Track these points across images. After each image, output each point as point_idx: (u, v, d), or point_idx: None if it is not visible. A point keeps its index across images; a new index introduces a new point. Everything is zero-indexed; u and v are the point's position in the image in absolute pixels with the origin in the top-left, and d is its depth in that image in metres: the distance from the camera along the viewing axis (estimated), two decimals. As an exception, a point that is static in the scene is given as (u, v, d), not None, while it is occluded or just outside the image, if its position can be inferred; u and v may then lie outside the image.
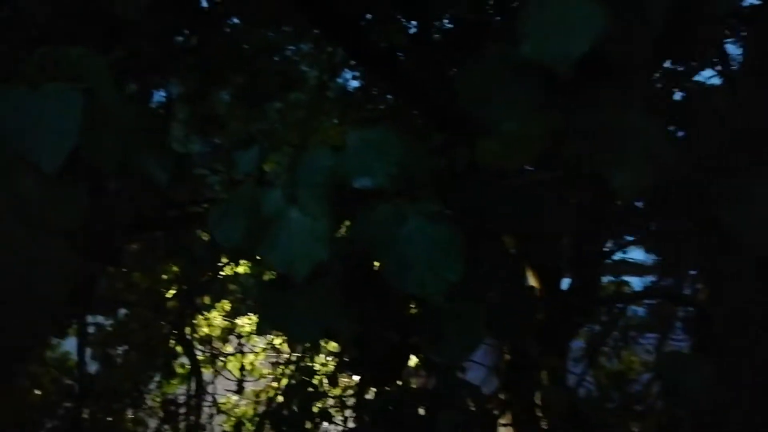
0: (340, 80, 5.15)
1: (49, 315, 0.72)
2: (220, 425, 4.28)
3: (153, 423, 4.10)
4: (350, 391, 3.80)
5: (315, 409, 2.71)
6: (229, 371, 4.26)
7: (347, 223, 1.00)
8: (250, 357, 4.69)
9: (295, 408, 2.31)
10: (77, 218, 0.70)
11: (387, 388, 2.21)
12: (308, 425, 2.38)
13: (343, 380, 3.56)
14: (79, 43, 0.80)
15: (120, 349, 4.41)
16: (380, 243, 0.90)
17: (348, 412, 3.45)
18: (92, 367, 4.25)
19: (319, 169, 0.93)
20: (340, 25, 2.72)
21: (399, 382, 2.24)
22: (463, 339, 0.99)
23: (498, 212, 1.07)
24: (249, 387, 4.63)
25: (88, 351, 4.07)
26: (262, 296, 0.95)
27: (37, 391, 4.28)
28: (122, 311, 4.48)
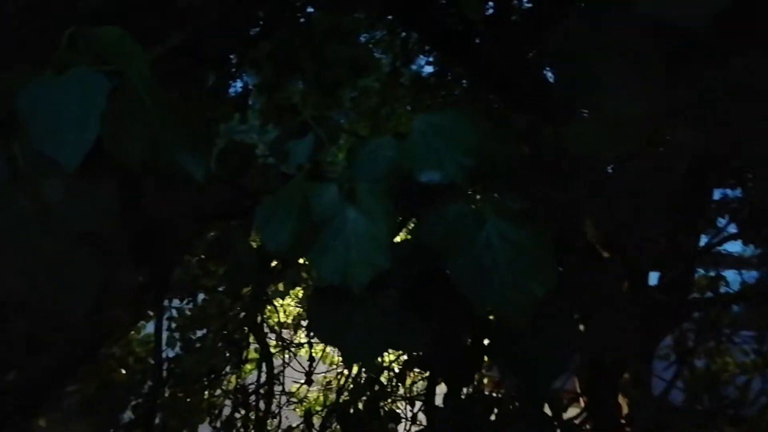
0: (413, 66, 5.05)
1: (79, 321, 0.65)
2: (294, 410, 4.32)
3: (228, 406, 4.20)
4: (419, 384, 3.70)
5: (383, 404, 2.62)
6: (299, 361, 4.29)
7: (412, 222, 0.87)
8: (321, 345, 4.70)
9: (360, 407, 2.23)
10: (103, 221, 0.63)
11: (459, 391, 2.08)
12: (375, 424, 2.30)
13: (414, 372, 3.46)
14: (136, 29, 0.72)
15: (199, 333, 4.56)
16: (452, 248, 0.76)
17: (417, 407, 3.35)
18: (173, 350, 4.42)
19: (381, 161, 0.80)
20: (414, 8, 2.60)
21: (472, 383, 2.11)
22: (549, 363, 0.84)
23: (592, 209, 0.90)
24: (320, 374, 4.65)
25: (165, 334, 4.23)
26: (313, 308, 0.84)
27: (123, 371, 4.51)
28: (201, 297, 4.63)
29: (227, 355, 4.41)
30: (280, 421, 3.75)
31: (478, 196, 0.81)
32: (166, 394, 4.35)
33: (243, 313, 4.39)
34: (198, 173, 0.68)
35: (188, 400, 4.48)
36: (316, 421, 3.66)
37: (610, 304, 0.93)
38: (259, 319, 4.15)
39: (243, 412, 3.58)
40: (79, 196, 0.62)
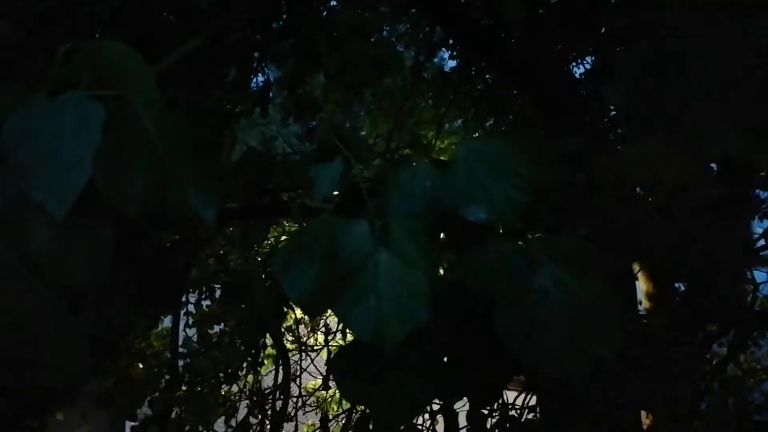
0: (436, 60, 4.95)
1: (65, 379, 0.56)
2: (311, 406, 4.26)
3: (243, 405, 4.17)
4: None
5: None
6: (316, 364, 4.22)
7: (452, 258, 0.77)
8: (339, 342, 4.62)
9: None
10: (97, 274, 0.54)
11: (482, 407, 1.97)
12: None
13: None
14: (155, 32, 0.63)
15: (216, 329, 4.53)
16: (500, 296, 0.66)
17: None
18: (190, 347, 4.40)
19: (418, 191, 0.70)
20: (440, 2, 2.50)
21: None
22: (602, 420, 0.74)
23: (660, 247, 0.79)
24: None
25: (182, 330, 4.21)
26: (339, 365, 0.74)
27: (140, 365, 4.50)
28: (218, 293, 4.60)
29: (242, 349, 4.37)
30: (296, 425, 3.69)
31: (528, 234, 0.70)
32: (183, 389, 4.34)
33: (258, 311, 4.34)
34: (209, 215, 0.59)
35: (204, 392, 4.46)
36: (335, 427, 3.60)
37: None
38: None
39: (259, 416, 3.53)
40: (69, 245, 0.53)
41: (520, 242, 0.68)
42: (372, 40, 3.17)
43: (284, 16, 3.10)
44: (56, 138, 0.53)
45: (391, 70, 2.79)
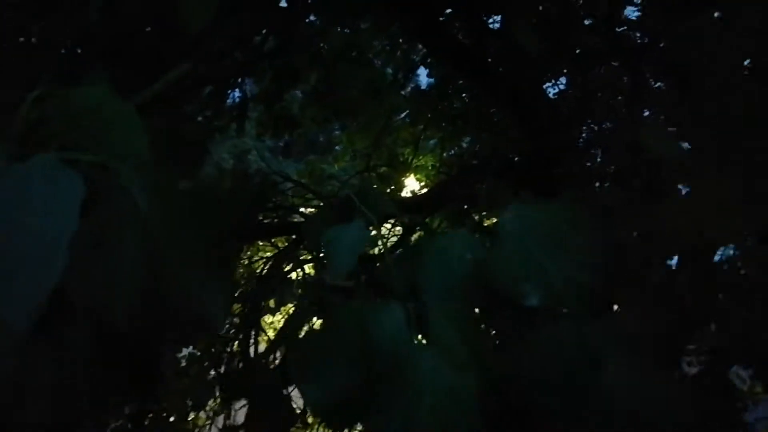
0: (413, 77, 4.94)
1: None
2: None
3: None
4: None
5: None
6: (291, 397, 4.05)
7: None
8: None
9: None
10: (64, 407, 0.40)
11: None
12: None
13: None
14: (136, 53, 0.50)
15: (185, 351, 4.34)
16: (556, 392, 0.56)
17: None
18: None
19: (456, 266, 0.59)
20: (423, 19, 2.45)
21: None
22: None
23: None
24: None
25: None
26: None
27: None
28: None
29: (212, 374, 4.20)
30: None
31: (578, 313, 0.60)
32: (149, 416, 4.13)
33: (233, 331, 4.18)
34: (218, 315, 0.46)
35: (171, 420, 4.26)
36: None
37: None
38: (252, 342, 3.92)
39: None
40: (29, 368, 0.39)
41: (574, 324, 0.58)
42: (363, 64, 3.11)
43: (267, 33, 3.00)
44: (19, 220, 0.39)
45: (380, 94, 2.72)
